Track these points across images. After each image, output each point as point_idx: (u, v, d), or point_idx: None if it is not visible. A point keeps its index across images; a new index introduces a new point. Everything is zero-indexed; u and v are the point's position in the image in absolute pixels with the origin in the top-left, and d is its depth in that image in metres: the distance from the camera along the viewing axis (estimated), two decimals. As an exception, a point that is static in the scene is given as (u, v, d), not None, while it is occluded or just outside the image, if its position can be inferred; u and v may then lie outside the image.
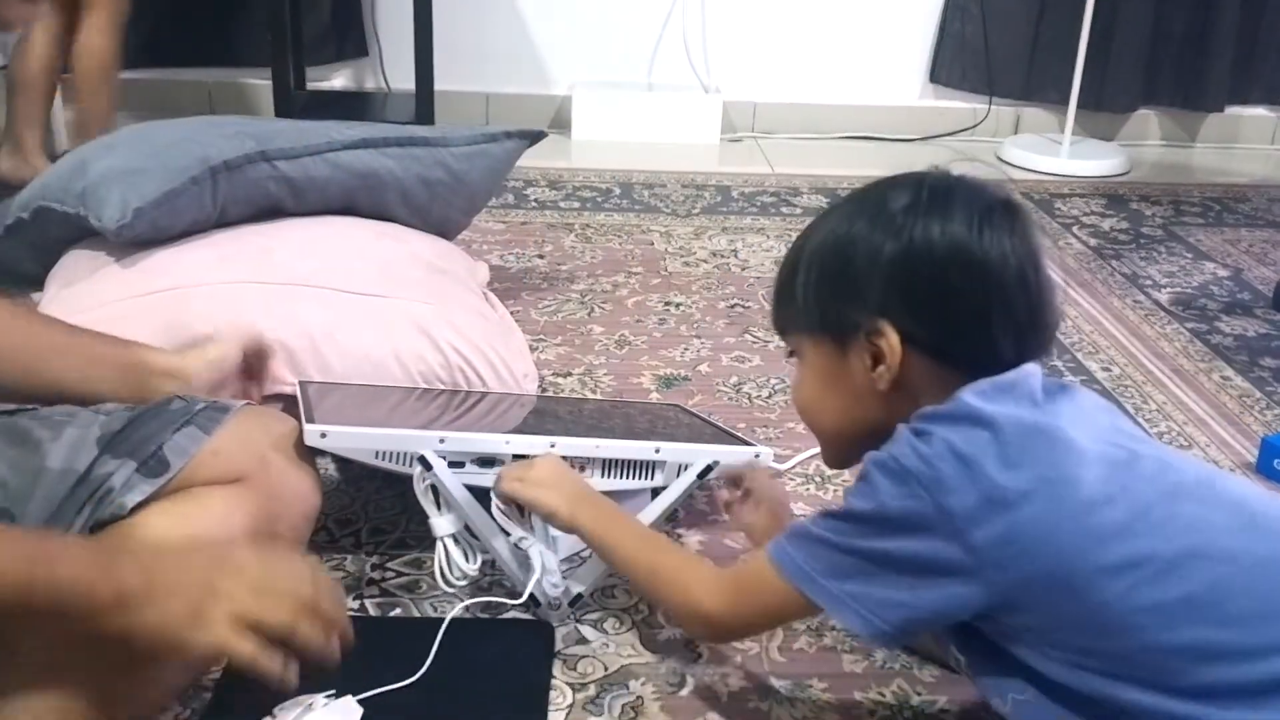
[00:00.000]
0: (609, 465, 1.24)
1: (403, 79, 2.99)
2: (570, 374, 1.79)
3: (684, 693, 1.13)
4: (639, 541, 1.10)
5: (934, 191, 0.94)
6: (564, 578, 1.20)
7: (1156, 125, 3.42)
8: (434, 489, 1.17)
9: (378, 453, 1.17)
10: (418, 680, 1.08)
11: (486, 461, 1.20)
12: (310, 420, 1.15)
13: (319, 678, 0.96)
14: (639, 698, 1.12)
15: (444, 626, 1.12)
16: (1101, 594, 0.83)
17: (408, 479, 1.18)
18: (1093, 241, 2.54)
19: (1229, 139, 3.43)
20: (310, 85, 3.13)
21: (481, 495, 1.19)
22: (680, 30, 3.22)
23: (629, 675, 1.15)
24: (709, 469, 1.27)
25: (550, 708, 1.10)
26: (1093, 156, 3.10)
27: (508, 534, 1.18)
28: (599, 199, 2.64)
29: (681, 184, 2.78)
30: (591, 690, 1.13)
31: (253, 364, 1.31)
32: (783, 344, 1.05)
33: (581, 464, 1.23)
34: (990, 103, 3.32)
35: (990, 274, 0.91)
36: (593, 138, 3.13)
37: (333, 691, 1.04)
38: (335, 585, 0.99)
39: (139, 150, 1.57)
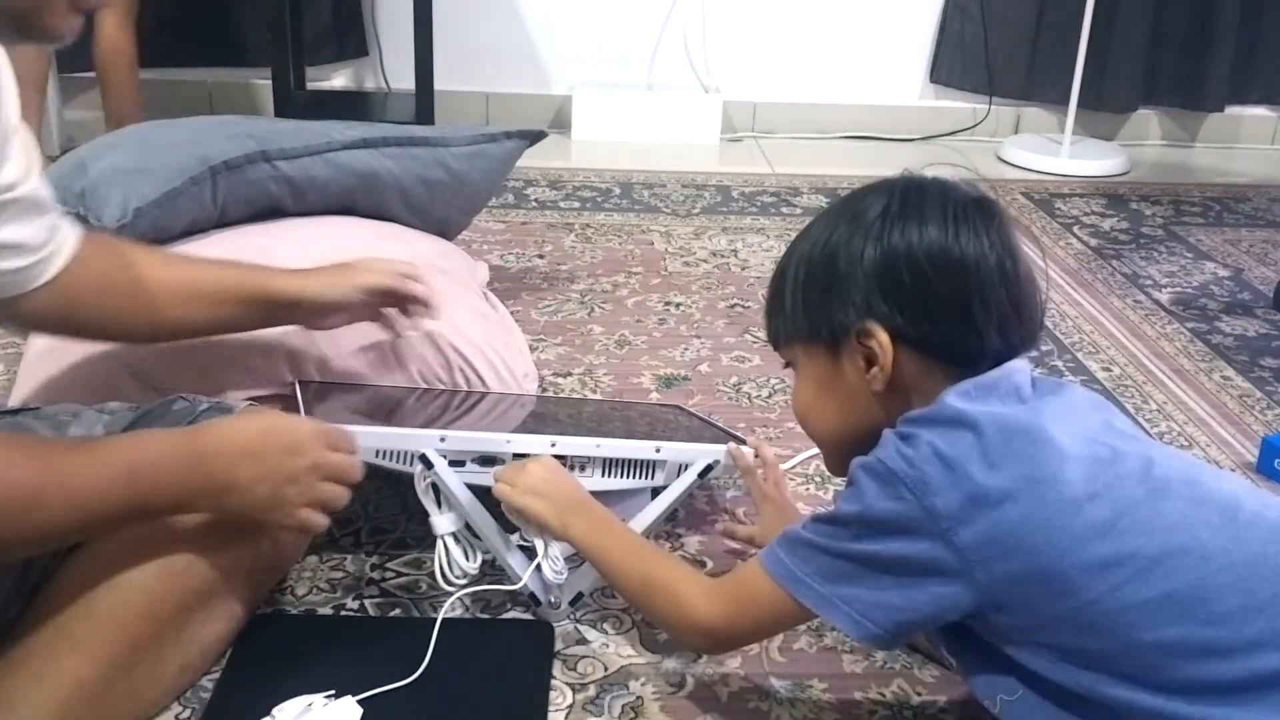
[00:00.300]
0: (609, 465, 1.24)
1: (403, 79, 2.99)
2: (570, 374, 1.79)
3: (684, 693, 1.13)
4: (632, 552, 1.09)
5: (906, 195, 0.96)
6: (563, 575, 1.20)
7: (1156, 125, 3.42)
8: (434, 487, 1.17)
9: (378, 451, 1.17)
10: (417, 680, 1.08)
11: (487, 460, 1.19)
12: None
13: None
14: (639, 698, 1.12)
15: (438, 625, 1.12)
16: (1087, 592, 0.84)
17: (408, 479, 1.18)
18: (1093, 241, 2.54)
19: (1229, 139, 3.43)
20: (310, 85, 3.13)
21: (482, 494, 1.19)
22: (680, 30, 3.23)
23: (629, 675, 1.15)
24: (709, 468, 1.28)
25: (550, 708, 1.10)
26: (1093, 156, 3.10)
27: (513, 530, 1.18)
28: (599, 199, 2.64)
29: (681, 184, 2.78)
30: (591, 690, 1.13)
31: (390, 301, 1.36)
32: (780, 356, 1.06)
33: (582, 463, 1.23)
34: (990, 103, 3.32)
35: (969, 270, 0.93)
36: (593, 138, 3.13)
37: (332, 691, 1.04)
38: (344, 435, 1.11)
39: (139, 150, 1.57)
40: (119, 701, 0.99)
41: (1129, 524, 0.85)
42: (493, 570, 1.25)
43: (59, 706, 0.94)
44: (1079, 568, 0.84)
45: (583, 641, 1.19)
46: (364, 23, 3.18)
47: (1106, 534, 0.84)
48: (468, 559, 1.18)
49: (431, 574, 1.19)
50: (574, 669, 1.16)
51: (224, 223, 1.59)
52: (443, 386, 1.46)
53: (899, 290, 0.93)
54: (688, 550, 1.36)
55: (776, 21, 3.23)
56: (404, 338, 1.40)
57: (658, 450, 1.25)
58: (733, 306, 2.08)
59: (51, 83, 2.68)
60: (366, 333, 1.42)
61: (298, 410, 1.24)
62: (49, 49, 2.38)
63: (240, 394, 1.36)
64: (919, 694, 1.15)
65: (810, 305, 0.98)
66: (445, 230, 1.86)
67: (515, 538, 1.19)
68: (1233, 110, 3.38)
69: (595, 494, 1.16)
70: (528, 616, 1.22)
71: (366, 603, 1.24)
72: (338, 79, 3.24)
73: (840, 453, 1.02)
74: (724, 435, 1.43)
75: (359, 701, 1.04)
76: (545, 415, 1.48)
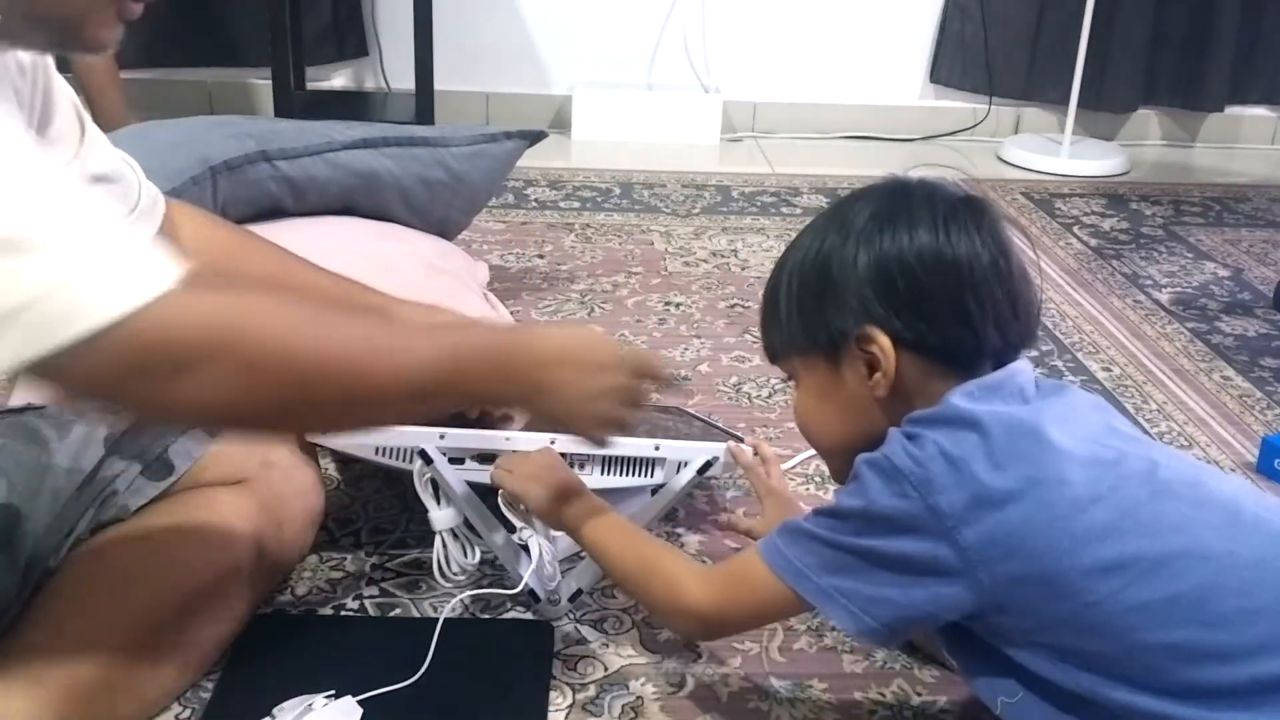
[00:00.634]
0: (609, 462, 1.24)
1: (403, 79, 2.99)
2: (570, 374, 1.79)
3: (684, 693, 1.13)
4: (625, 537, 1.09)
5: (894, 199, 0.96)
6: (563, 573, 1.20)
7: (1156, 125, 3.42)
8: (434, 483, 1.17)
9: (378, 449, 1.17)
10: (417, 680, 1.08)
11: (487, 458, 1.19)
12: (310, 419, 1.15)
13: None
14: (639, 698, 1.12)
15: (439, 626, 1.12)
16: (1089, 594, 0.84)
17: (408, 478, 1.18)
18: (1093, 241, 2.54)
19: (1229, 139, 3.43)
20: (310, 85, 3.13)
21: (481, 492, 1.19)
22: (680, 30, 3.22)
23: (629, 675, 1.15)
24: (708, 465, 1.27)
25: (550, 708, 1.10)
26: (1093, 156, 3.10)
27: (510, 527, 1.18)
28: (599, 199, 2.64)
29: (681, 184, 2.78)
30: (591, 690, 1.13)
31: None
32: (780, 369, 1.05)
33: (581, 461, 1.23)
34: (990, 103, 3.32)
35: (962, 270, 0.92)
36: (593, 138, 3.13)
37: (332, 692, 1.04)
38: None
39: (139, 150, 1.56)
40: (119, 702, 0.99)
41: (1131, 525, 0.85)
42: (492, 570, 1.25)
43: (59, 706, 0.94)
44: (1081, 570, 0.84)
45: (582, 641, 1.19)
46: (364, 23, 3.17)
47: (1109, 537, 0.84)
48: (466, 555, 1.18)
49: (432, 573, 1.19)
50: (574, 669, 1.16)
51: (224, 223, 1.59)
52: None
53: (894, 294, 0.93)
54: (688, 549, 1.36)
55: (776, 21, 3.23)
56: None
57: (657, 448, 1.25)
58: (733, 306, 2.08)
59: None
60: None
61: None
62: (90, 59, 2.36)
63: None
64: (919, 694, 1.14)
65: (806, 315, 0.98)
66: (445, 230, 1.86)
67: (514, 536, 1.19)
68: (1233, 110, 3.38)
69: (595, 492, 1.16)
70: (528, 617, 1.22)
71: (366, 603, 1.24)
72: (337, 79, 3.24)
73: (845, 461, 1.02)
74: (724, 435, 1.43)
75: (359, 702, 1.04)
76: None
